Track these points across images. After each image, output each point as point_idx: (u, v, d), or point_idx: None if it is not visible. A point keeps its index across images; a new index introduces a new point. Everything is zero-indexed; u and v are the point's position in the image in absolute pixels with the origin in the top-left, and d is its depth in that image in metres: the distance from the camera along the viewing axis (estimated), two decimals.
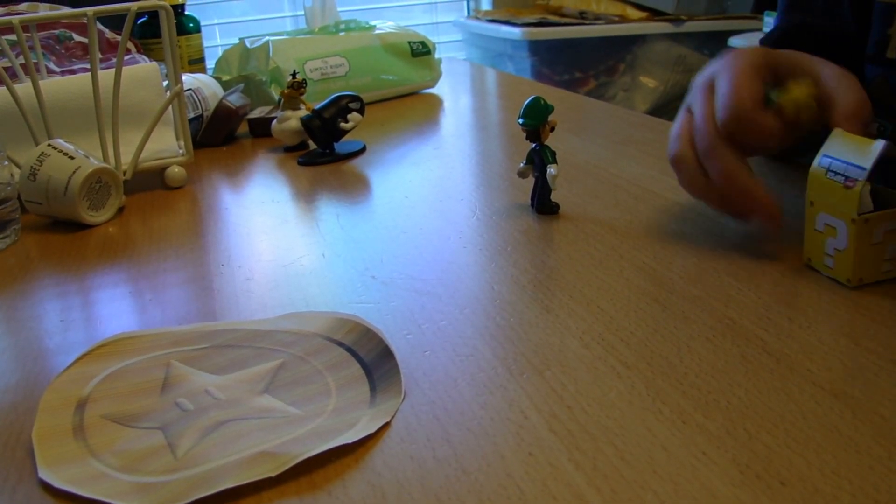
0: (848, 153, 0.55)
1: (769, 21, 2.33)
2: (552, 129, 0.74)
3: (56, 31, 1.20)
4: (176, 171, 0.95)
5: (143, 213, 0.87)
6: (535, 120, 0.73)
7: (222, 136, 1.15)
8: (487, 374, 0.49)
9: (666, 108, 2.64)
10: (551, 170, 0.73)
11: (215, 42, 2.86)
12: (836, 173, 0.55)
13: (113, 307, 0.63)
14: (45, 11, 1.20)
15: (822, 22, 0.84)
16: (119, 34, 0.99)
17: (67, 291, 0.66)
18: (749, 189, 0.62)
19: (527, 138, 0.74)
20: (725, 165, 0.62)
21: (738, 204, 0.63)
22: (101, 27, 1.27)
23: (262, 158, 1.06)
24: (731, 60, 0.65)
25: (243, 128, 1.22)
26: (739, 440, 0.41)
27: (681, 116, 0.69)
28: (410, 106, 1.35)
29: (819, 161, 0.57)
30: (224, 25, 2.94)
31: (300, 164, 1.02)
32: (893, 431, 0.41)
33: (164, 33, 0.92)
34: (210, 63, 1.47)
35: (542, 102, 0.73)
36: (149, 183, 0.97)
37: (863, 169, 0.54)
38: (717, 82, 0.64)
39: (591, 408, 0.45)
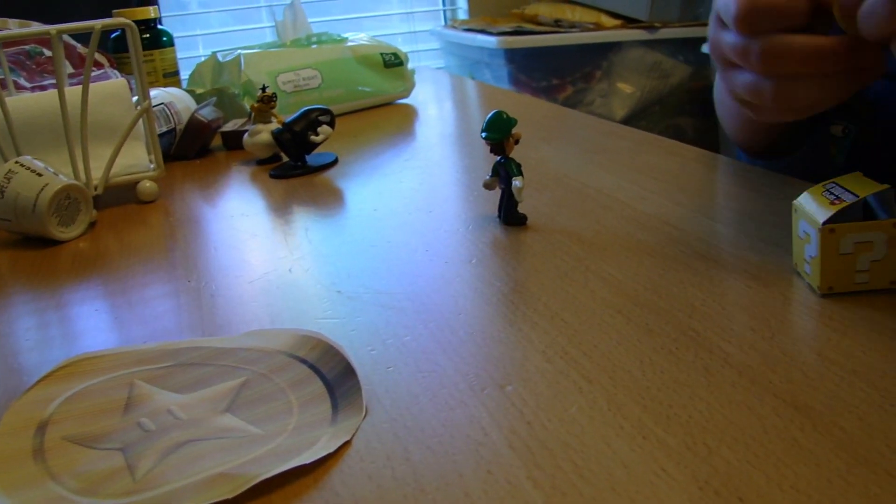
0: (850, 188, 0.56)
1: None
2: (517, 142, 0.74)
3: (27, 47, 1.19)
4: (147, 185, 0.95)
5: (114, 227, 0.87)
6: (498, 133, 0.73)
7: (195, 149, 1.15)
8: (449, 390, 0.49)
9: (644, 112, 2.66)
10: (517, 182, 0.73)
11: (198, 53, 2.85)
12: (831, 192, 0.56)
13: (79, 325, 0.63)
14: (13, 28, 1.19)
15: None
16: None
17: (35, 309, 0.66)
18: (841, 44, 0.55)
19: (491, 151, 0.74)
20: (796, 50, 0.55)
21: (849, 69, 0.56)
22: (73, 42, 1.27)
23: (235, 171, 1.06)
24: None
25: (217, 141, 1.22)
26: (699, 455, 0.41)
27: (719, 76, 0.62)
28: (384, 117, 1.35)
29: (824, 193, 0.57)
30: (206, 37, 2.93)
31: (272, 177, 1.02)
32: (853, 444, 0.41)
33: (130, 50, 0.91)
34: (187, 75, 1.46)
35: (505, 116, 0.73)
36: (121, 197, 0.97)
37: (856, 196, 0.54)
38: (720, 7, 0.60)
39: (552, 423, 0.44)
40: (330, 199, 0.89)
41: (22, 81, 1.13)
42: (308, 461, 0.42)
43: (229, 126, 1.21)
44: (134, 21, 0.92)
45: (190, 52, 2.75)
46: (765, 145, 0.88)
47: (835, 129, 0.82)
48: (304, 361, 0.53)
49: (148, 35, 1.38)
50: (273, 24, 2.38)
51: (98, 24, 0.88)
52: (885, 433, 0.41)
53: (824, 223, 0.55)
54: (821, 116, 0.81)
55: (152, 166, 0.97)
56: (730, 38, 0.60)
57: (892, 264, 0.56)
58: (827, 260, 0.56)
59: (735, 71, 0.61)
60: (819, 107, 0.59)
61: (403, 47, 1.69)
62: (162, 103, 1.13)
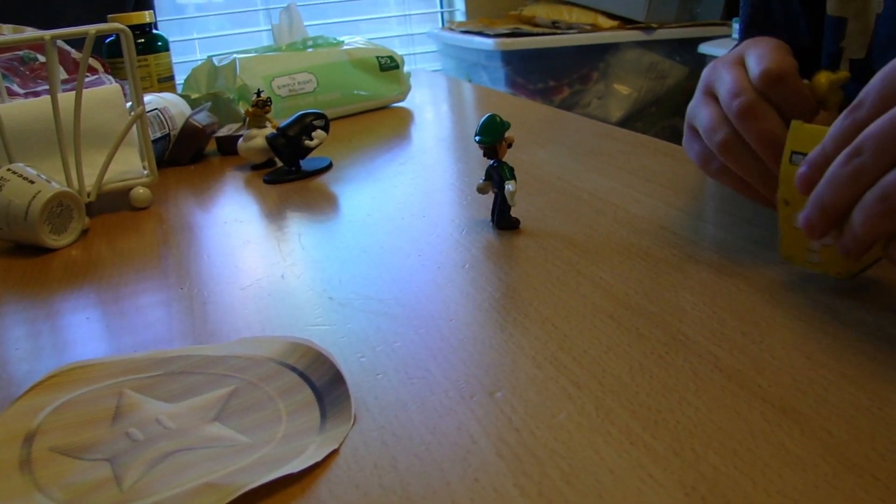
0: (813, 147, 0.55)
1: (738, 27, 2.34)
2: (510, 146, 0.74)
3: (20, 53, 1.19)
4: (141, 191, 0.95)
5: (107, 234, 0.86)
6: (491, 137, 0.73)
7: (190, 154, 1.15)
8: (438, 396, 0.49)
9: (640, 113, 2.66)
10: (509, 186, 0.72)
11: (194, 57, 2.85)
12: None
13: (70, 334, 0.63)
14: (7, 34, 1.19)
15: (782, 37, 0.85)
16: None
17: (26, 318, 0.66)
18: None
19: (484, 155, 0.74)
20: (766, 123, 0.60)
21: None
22: (67, 47, 1.27)
23: (230, 177, 1.06)
24: (755, 43, 0.65)
25: (212, 146, 1.22)
26: (687, 461, 0.41)
27: (705, 105, 0.67)
28: (379, 121, 1.35)
29: (791, 159, 0.56)
30: (202, 40, 2.93)
31: (266, 182, 1.01)
32: (840, 448, 0.41)
33: (124, 55, 0.91)
34: (182, 79, 1.46)
35: (498, 120, 0.73)
36: (114, 204, 0.97)
37: None
38: (749, 56, 0.64)
39: (540, 430, 0.44)
40: (324, 204, 0.89)
41: (15, 88, 1.12)
42: (296, 470, 0.42)
43: (224, 131, 1.21)
44: (129, 25, 0.92)
45: (186, 56, 2.75)
46: None
47: None
48: (293, 369, 0.53)
49: (143, 40, 1.38)
50: (269, 27, 2.38)
51: (92, 29, 0.88)
52: (872, 437, 0.41)
53: (780, 194, 0.57)
54: None
55: (146, 172, 0.97)
56: (710, 111, 0.65)
57: (838, 254, 0.55)
58: (785, 230, 0.58)
59: (695, 138, 0.68)
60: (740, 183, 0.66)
61: (400, 50, 1.69)
62: (156, 109, 1.12)
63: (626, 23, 2.65)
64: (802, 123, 0.56)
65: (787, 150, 0.57)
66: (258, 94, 1.08)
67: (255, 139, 1.07)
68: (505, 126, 0.73)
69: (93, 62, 1.27)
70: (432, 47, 3.21)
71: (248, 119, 1.09)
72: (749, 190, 0.64)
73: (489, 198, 0.78)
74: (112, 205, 0.96)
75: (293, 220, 0.85)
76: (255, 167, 1.10)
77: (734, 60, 0.66)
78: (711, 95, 0.66)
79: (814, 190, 0.52)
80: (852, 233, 0.50)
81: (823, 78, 0.62)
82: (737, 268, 0.63)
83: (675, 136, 0.90)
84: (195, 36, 2.91)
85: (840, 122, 0.51)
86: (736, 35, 2.35)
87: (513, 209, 0.75)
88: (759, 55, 0.63)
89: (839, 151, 0.50)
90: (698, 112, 0.66)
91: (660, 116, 2.70)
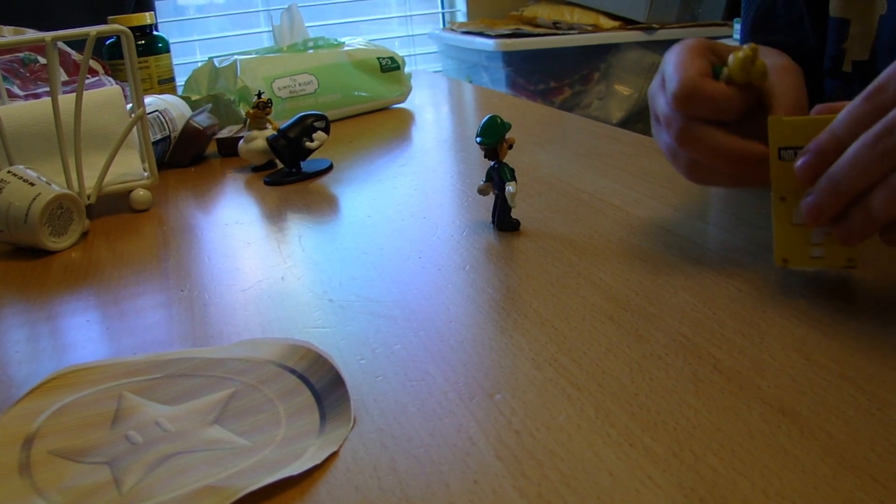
0: (803, 138, 0.55)
1: (739, 28, 2.34)
2: (510, 147, 0.74)
3: (20, 55, 1.19)
4: (141, 193, 0.95)
5: (107, 237, 0.86)
6: (492, 138, 0.73)
7: (190, 156, 1.15)
8: (437, 398, 0.49)
9: (641, 114, 2.65)
10: (510, 187, 0.72)
11: (195, 58, 2.85)
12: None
13: (70, 337, 0.63)
14: (7, 35, 1.19)
15: (786, 40, 0.85)
16: None
17: (26, 321, 0.66)
18: (742, 151, 0.60)
19: (485, 156, 0.74)
20: (704, 142, 0.61)
21: (745, 174, 0.61)
22: (67, 49, 1.27)
23: (230, 178, 1.06)
24: (671, 52, 0.65)
25: (212, 147, 1.22)
26: (686, 463, 0.41)
27: (654, 128, 0.67)
28: (380, 122, 1.35)
29: (780, 155, 0.56)
30: (203, 42, 2.93)
31: (266, 183, 1.02)
32: (839, 449, 0.41)
33: (125, 57, 0.91)
34: (183, 81, 1.46)
35: (499, 121, 0.73)
36: (114, 206, 0.97)
37: None
38: (665, 76, 0.64)
39: (539, 432, 0.44)
40: (324, 206, 0.89)
41: (15, 90, 1.13)
42: (295, 473, 0.42)
43: (224, 133, 1.21)
44: (130, 27, 0.92)
45: (187, 58, 2.75)
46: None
47: None
48: (292, 371, 0.53)
49: (143, 41, 1.38)
50: (269, 28, 2.39)
51: (93, 31, 0.88)
52: (871, 438, 0.41)
53: (776, 191, 0.55)
54: None
55: (146, 174, 0.97)
56: (663, 102, 0.64)
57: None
58: (780, 230, 0.56)
59: (660, 127, 0.65)
60: (724, 186, 0.67)
61: (401, 51, 1.69)
62: (156, 110, 1.13)
63: (627, 23, 2.65)
64: (780, 118, 0.56)
65: (772, 147, 0.56)
66: (259, 95, 1.08)
67: (256, 141, 1.07)
68: (506, 127, 0.73)
69: (93, 64, 1.27)
70: (433, 48, 3.21)
71: (248, 121, 1.09)
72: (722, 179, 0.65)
73: (489, 199, 0.78)
74: (112, 207, 0.96)
75: (293, 221, 0.85)
76: (256, 169, 1.10)
77: (660, 86, 0.66)
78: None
79: (825, 174, 0.51)
80: (866, 214, 0.50)
81: (736, 61, 0.60)
82: (737, 269, 0.63)
83: None
84: (195, 37, 2.91)
85: (855, 106, 0.51)
86: (737, 36, 2.35)
87: (513, 210, 0.75)
88: (669, 74, 0.62)
89: (855, 136, 0.50)
90: (655, 100, 0.67)
91: None
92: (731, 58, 0.61)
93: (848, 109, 0.52)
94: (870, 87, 0.51)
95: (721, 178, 0.64)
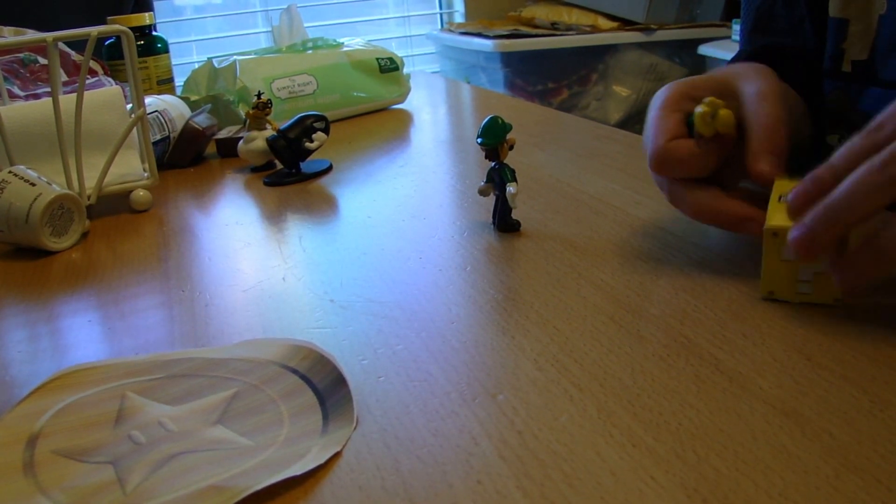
0: None
1: (738, 29, 2.34)
2: (511, 148, 0.74)
3: (21, 55, 1.19)
4: (141, 194, 0.95)
5: (107, 237, 0.86)
6: (493, 139, 0.73)
7: (190, 157, 1.15)
8: (440, 399, 0.49)
9: (639, 116, 2.66)
10: (510, 188, 0.73)
11: (191, 59, 2.85)
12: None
13: (71, 337, 0.63)
14: (8, 36, 1.19)
15: (786, 41, 0.85)
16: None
17: (27, 321, 0.66)
18: (722, 212, 0.62)
19: (486, 157, 0.75)
20: (688, 201, 0.64)
21: (730, 227, 0.63)
22: (67, 49, 1.27)
23: (230, 179, 1.06)
24: (653, 103, 0.68)
25: (211, 148, 1.22)
26: (688, 463, 0.41)
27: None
28: (379, 122, 1.35)
29: (779, 199, 0.57)
30: (201, 42, 2.93)
31: (266, 184, 1.02)
32: (841, 450, 0.41)
33: (125, 57, 0.91)
34: (181, 81, 1.46)
35: (500, 121, 0.73)
36: (114, 206, 0.97)
37: None
38: (644, 137, 0.67)
39: (542, 432, 0.45)
40: (324, 207, 0.89)
41: (16, 90, 1.13)
42: (298, 473, 0.42)
43: (224, 133, 1.21)
44: (129, 28, 0.92)
45: (185, 58, 2.75)
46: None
47: (831, 139, 0.83)
48: (295, 372, 0.53)
49: (142, 42, 1.38)
50: (269, 29, 2.39)
51: (94, 31, 0.88)
52: (873, 439, 0.41)
53: (769, 226, 0.56)
54: (818, 128, 0.82)
55: (146, 175, 0.97)
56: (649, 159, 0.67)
57: (830, 282, 0.55)
58: (769, 264, 0.57)
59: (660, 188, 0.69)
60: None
61: (399, 51, 1.69)
62: (156, 111, 1.13)
63: (625, 24, 2.65)
64: (783, 180, 0.59)
65: (774, 193, 0.58)
66: (258, 96, 1.08)
67: (256, 141, 1.07)
68: (507, 128, 0.73)
69: (93, 64, 1.27)
70: (431, 49, 3.21)
71: (248, 121, 1.09)
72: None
73: (489, 200, 0.78)
74: (112, 207, 0.96)
75: (294, 222, 0.85)
76: (256, 169, 1.10)
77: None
78: None
79: (822, 203, 0.51)
80: (877, 254, 0.50)
81: (697, 118, 0.62)
82: (738, 270, 0.63)
83: None
84: (193, 38, 2.91)
85: (854, 142, 0.51)
86: (736, 37, 2.36)
87: (513, 211, 0.76)
88: (646, 138, 0.66)
89: (850, 168, 0.50)
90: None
91: None
92: (697, 110, 0.63)
93: (846, 145, 0.52)
94: (869, 125, 0.51)
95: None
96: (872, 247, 0.50)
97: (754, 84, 0.64)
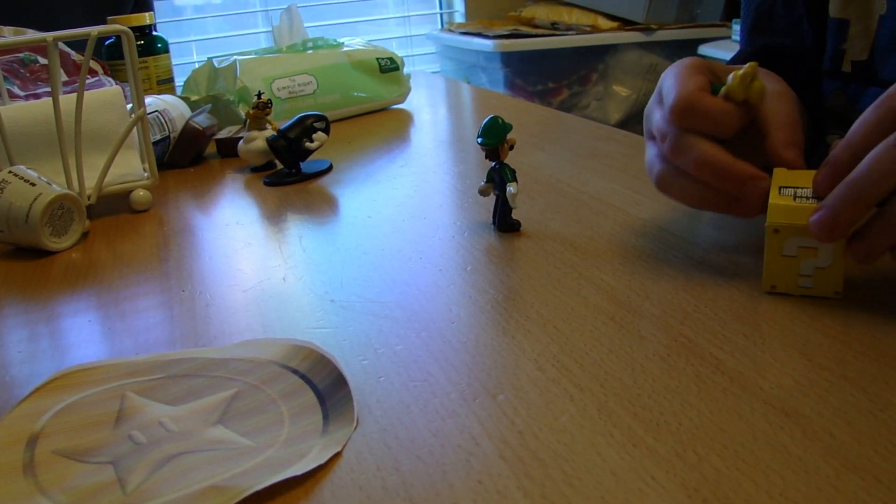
0: (804, 181, 0.57)
1: (738, 29, 2.34)
2: (511, 148, 0.74)
3: (21, 55, 1.19)
4: (141, 194, 0.95)
5: (107, 237, 0.86)
6: (493, 139, 0.73)
7: (190, 157, 1.15)
8: (440, 399, 0.49)
9: (639, 115, 2.65)
10: (511, 188, 0.73)
11: (191, 59, 2.85)
12: (805, 198, 0.56)
13: (71, 337, 0.63)
14: (8, 36, 1.19)
15: (785, 42, 0.85)
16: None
17: (27, 321, 0.66)
18: (731, 166, 0.59)
19: (486, 157, 0.75)
20: (696, 153, 0.60)
21: (729, 188, 0.61)
22: (67, 49, 1.27)
23: (230, 179, 1.06)
24: (669, 71, 0.65)
25: (212, 148, 1.22)
26: (689, 463, 0.41)
27: (647, 146, 0.68)
28: (379, 122, 1.35)
29: (780, 192, 0.57)
30: (201, 42, 2.93)
31: (266, 184, 1.02)
32: (842, 450, 0.41)
33: (126, 57, 0.91)
34: (181, 81, 1.46)
35: (501, 121, 0.73)
36: (114, 206, 0.97)
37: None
38: (663, 91, 0.64)
39: (542, 432, 0.44)
40: (324, 207, 0.89)
41: (16, 90, 1.12)
42: (299, 473, 0.42)
43: (224, 133, 1.21)
44: (129, 28, 0.92)
45: (185, 58, 2.75)
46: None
47: (831, 139, 0.83)
48: (295, 372, 0.53)
49: (142, 42, 1.38)
50: (269, 29, 2.39)
51: (94, 31, 0.88)
52: (874, 439, 0.41)
53: (770, 222, 0.56)
54: (817, 128, 0.82)
55: (146, 175, 0.97)
56: (658, 117, 0.64)
57: (836, 273, 0.56)
58: (771, 259, 0.57)
59: (652, 145, 0.67)
60: (691, 205, 0.65)
61: (400, 51, 1.69)
62: (156, 111, 1.13)
63: (625, 24, 2.65)
64: (783, 169, 0.59)
65: (774, 185, 0.58)
66: (259, 96, 1.08)
67: (256, 141, 1.07)
68: (507, 128, 0.73)
69: (93, 64, 1.27)
70: (431, 49, 3.21)
71: (248, 121, 1.09)
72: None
73: (490, 200, 0.78)
74: (112, 207, 0.96)
75: (294, 222, 0.85)
76: (256, 169, 1.10)
77: (657, 102, 0.66)
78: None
79: (842, 182, 0.52)
80: (889, 225, 0.50)
81: (735, 78, 0.61)
82: (738, 270, 0.63)
83: None
84: (193, 38, 2.91)
85: (868, 116, 0.51)
86: (736, 37, 2.36)
87: (514, 211, 0.75)
88: (667, 89, 0.63)
89: (868, 145, 0.50)
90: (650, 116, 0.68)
91: None
92: (731, 76, 0.61)
93: (860, 120, 0.52)
94: (881, 97, 0.51)
95: (691, 193, 0.63)
96: (885, 217, 0.50)
97: (773, 83, 0.64)
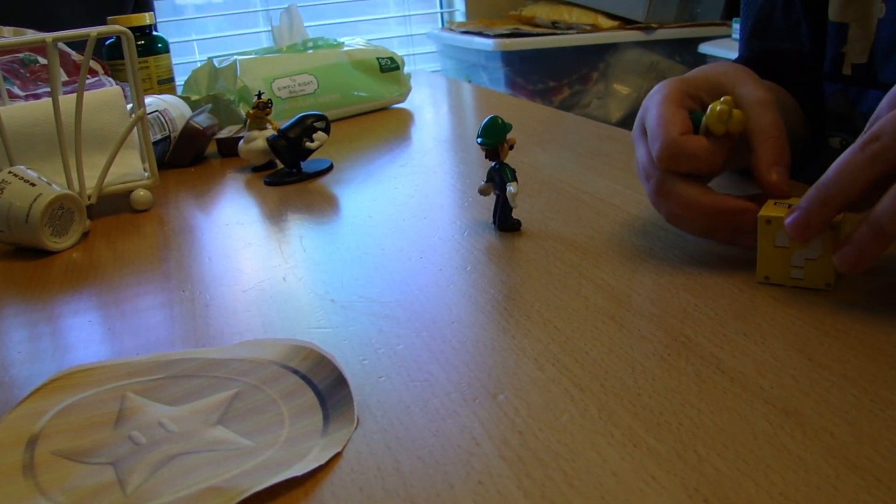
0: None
1: (738, 28, 2.35)
2: (511, 147, 0.74)
3: (21, 55, 1.19)
4: (141, 194, 0.95)
5: (108, 237, 0.86)
6: (493, 139, 0.73)
7: (190, 156, 1.15)
8: (441, 399, 0.49)
9: None
10: (511, 188, 0.73)
11: (192, 59, 2.85)
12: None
13: (72, 337, 0.63)
14: (8, 36, 1.19)
15: (784, 46, 0.85)
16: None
17: (27, 321, 0.66)
18: (714, 205, 0.61)
19: (486, 157, 0.75)
20: (681, 198, 0.62)
21: (718, 227, 0.63)
22: (67, 49, 1.27)
23: (230, 179, 1.06)
24: (653, 97, 0.66)
25: (212, 148, 1.22)
26: (689, 463, 0.41)
27: (637, 160, 0.69)
28: (379, 122, 1.35)
29: (775, 204, 0.60)
30: (202, 42, 2.93)
31: (267, 184, 1.02)
32: (842, 450, 0.41)
33: (126, 58, 0.91)
34: (181, 80, 1.46)
35: (500, 121, 0.73)
36: (115, 206, 0.97)
37: None
38: (647, 123, 0.65)
39: (543, 432, 0.44)
40: (325, 206, 0.89)
41: (16, 90, 1.12)
42: (299, 473, 0.42)
43: (224, 133, 1.21)
44: (129, 27, 0.92)
45: (185, 58, 2.75)
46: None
47: (833, 142, 0.83)
48: (295, 372, 0.53)
49: (143, 41, 1.38)
50: (269, 28, 2.39)
51: (94, 31, 0.88)
52: (874, 439, 0.41)
53: (762, 213, 0.58)
54: (819, 130, 0.82)
55: (146, 174, 0.97)
56: (643, 153, 0.66)
57: (826, 266, 0.57)
58: (763, 250, 0.59)
59: (641, 173, 0.68)
60: (697, 235, 0.67)
61: (400, 51, 1.69)
62: (156, 110, 1.13)
63: (626, 23, 2.65)
64: (773, 201, 0.60)
65: (766, 204, 0.60)
66: (259, 95, 1.08)
67: (256, 141, 1.07)
68: (507, 128, 0.73)
69: (93, 64, 1.27)
70: (432, 48, 3.21)
71: (248, 121, 1.09)
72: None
73: (490, 199, 0.78)
74: (112, 207, 0.96)
75: (294, 222, 0.85)
76: (256, 169, 1.10)
77: (640, 130, 0.67)
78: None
79: (814, 185, 0.53)
80: (874, 230, 0.50)
81: (712, 115, 0.62)
82: (738, 269, 0.63)
83: None
84: (193, 37, 2.91)
85: (851, 153, 0.52)
86: (736, 35, 2.36)
87: (514, 211, 0.75)
88: (652, 130, 0.64)
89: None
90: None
91: None
92: (708, 110, 0.62)
93: (844, 157, 0.53)
94: (865, 137, 0.52)
95: (695, 228, 0.65)
96: (871, 223, 0.51)
97: (752, 90, 0.64)
